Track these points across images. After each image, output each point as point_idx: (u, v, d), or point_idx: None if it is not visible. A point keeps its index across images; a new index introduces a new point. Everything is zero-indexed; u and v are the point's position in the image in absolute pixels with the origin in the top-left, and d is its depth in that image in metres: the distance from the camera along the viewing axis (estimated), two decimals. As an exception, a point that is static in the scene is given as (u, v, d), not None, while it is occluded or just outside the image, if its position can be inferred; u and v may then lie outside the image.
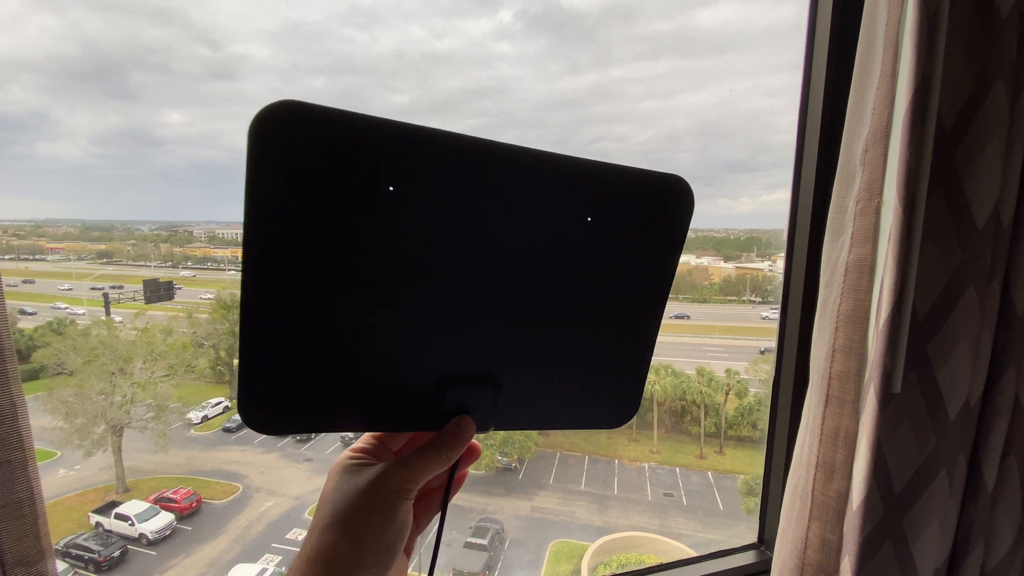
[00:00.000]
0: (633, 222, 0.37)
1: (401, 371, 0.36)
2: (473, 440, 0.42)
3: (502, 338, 0.37)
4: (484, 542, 9.52)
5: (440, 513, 0.43)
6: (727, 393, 12.08)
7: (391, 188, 0.31)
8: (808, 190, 0.83)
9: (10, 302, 0.39)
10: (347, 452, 0.40)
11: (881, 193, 0.58)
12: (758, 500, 0.98)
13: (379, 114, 0.29)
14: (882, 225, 0.58)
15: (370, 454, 0.40)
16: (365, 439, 0.42)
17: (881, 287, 0.56)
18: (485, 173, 0.32)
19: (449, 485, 0.42)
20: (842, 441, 0.61)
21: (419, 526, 0.43)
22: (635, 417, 0.44)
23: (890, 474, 0.59)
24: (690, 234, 0.39)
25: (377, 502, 0.35)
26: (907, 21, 0.53)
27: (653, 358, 0.42)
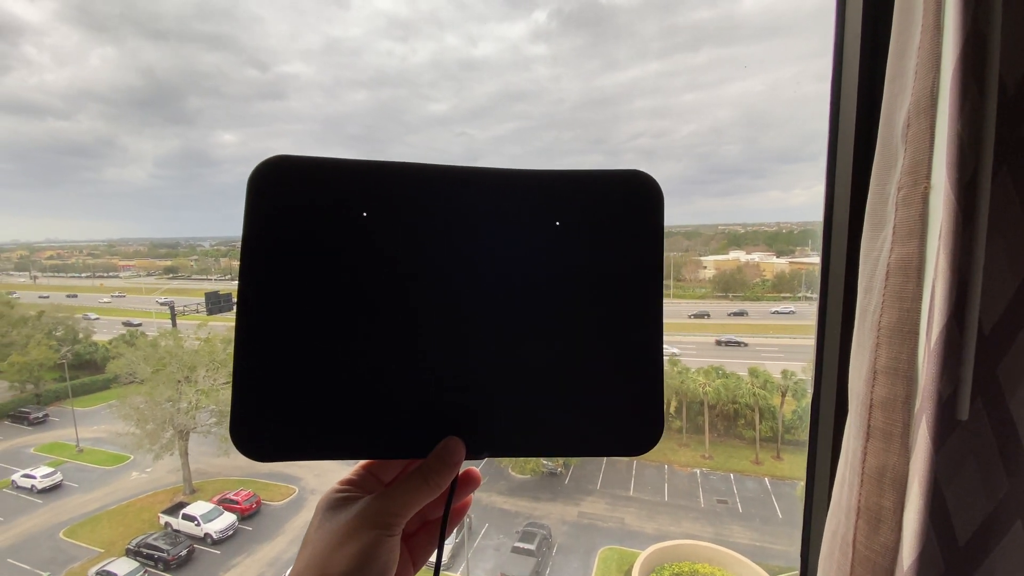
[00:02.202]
0: (602, 222, 0.38)
1: (384, 392, 0.36)
2: (472, 468, 0.40)
3: (488, 354, 0.37)
4: (532, 547, 9.47)
5: (437, 549, 0.40)
6: (783, 395, 11.45)
7: (364, 214, 0.35)
8: (845, 176, 0.72)
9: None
10: (334, 485, 0.38)
11: (928, 177, 0.47)
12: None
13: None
14: (931, 216, 0.47)
15: (357, 486, 0.38)
16: (354, 470, 0.40)
17: (932, 294, 0.45)
18: (451, 195, 0.36)
19: (446, 517, 0.39)
20: (889, 483, 0.50)
21: (416, 562, 0.40)
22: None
23: (952, 524, 0.48)
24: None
25: (355, 540, 0.33)
26: None
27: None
